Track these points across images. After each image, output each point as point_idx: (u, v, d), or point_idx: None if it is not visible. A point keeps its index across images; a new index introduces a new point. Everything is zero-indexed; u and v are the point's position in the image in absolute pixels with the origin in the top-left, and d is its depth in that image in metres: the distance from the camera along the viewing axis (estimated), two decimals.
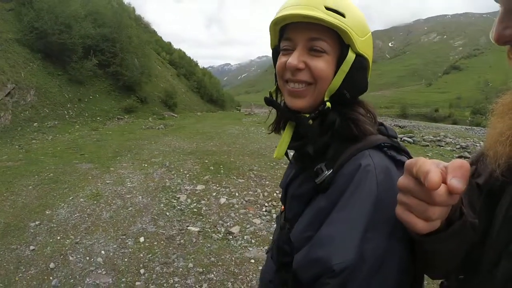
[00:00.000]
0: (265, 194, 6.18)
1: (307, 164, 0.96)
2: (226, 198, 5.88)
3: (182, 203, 5.60)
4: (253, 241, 4.43)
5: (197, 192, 6.19)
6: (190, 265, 3.80)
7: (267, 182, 6.89)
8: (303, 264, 0.84)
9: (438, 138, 16.09)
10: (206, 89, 41.02)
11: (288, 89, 0.92)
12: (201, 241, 4.38)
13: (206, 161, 8.48)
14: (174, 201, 5.70)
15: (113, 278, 3.52)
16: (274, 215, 5.12)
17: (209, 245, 4.28)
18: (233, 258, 3.99)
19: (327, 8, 0.82)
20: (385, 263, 0.73)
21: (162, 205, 5.50)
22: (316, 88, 0.89)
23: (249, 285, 3.51)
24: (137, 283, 3.45)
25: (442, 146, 13.81)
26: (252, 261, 3.94)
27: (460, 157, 10.85)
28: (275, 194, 6.09)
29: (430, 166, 0.57)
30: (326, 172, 0.86)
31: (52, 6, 16.98)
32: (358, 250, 0.73)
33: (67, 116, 15.51)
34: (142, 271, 3.66)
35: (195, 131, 14.57)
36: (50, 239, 4.28)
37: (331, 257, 0.75)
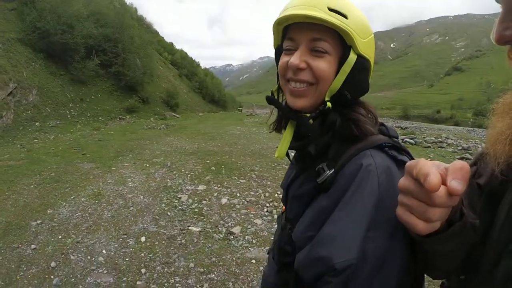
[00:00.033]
0: (267, 194, 6.18)
1: (308, 164, 0.97)
2: (228, 199, 5.88)
3: (184, 203, 5.61)
4: (254, 241, 4.43)
5: (198, 192, 6.20)
6: (191, 265, 3.81)
7: (269, 183, 6.89)
8: (305, 263, 0.85)
9: (440, 139, 16.07)
10: (208, 90, 41.06)
11: (290, 89, 0.92)
12: (202, 241, 4.38)
13: (208, 161, 8.48)
14: (176, 201, 5.71)
15: (114, 277, 3.52)
16: (275, 216, 5.12)
17: (210, 245, 4.28)
18: (234, 258, 3.99)
19: (330, 9, 0.83)
20: (386, 263, 0.73)
21: (163, 205, 5.50)
22: (317, 88, 0.89)
23: (250, 285, 3.51)
24: (138, 282, 3.45)
25: (444, 148, 13.79)
26: (253, 261, 3.94)
27: (461, 158, 10.84)
28: (276, 195, 6.09)
29: (430, 168, 0.57)
30: (328, 171, 0.86)
31: (54, 6, 16.99)
32: (360, 249, 0.73)
33: (69, 116, 15.53)
34: (143, 270, 3.66)
35: (196, 131, 14.57)
36: (51, 238, 4.28)
37: (333, 256, 0.75)
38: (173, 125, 17.12)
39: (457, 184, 0.56)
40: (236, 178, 7.15)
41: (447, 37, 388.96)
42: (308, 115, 0.91)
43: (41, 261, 3.76)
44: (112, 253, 3.98)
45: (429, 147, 13.74)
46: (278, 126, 1.10)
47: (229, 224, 4.91)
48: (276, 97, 1.04)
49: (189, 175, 7.20)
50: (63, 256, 3.87)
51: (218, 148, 10.45)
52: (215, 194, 6.09)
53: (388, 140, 0.88)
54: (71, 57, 17.82)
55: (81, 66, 18.14)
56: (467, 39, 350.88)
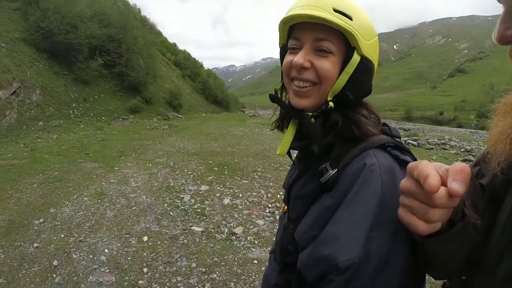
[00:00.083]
0: (269, 195, 6.18)
1: (311, 164, 0.97)
2: (230, 199, 5.88)
3: (186, 203, 5.61)
4: (256, 242, 4.43)
5: (201, 192, 6.20)
6: (193, 264, 3.81)
7: (271, 184, 6.89)
8: (308, 262, 0.85)
9: (443, 141, 16.05)
10: (210, 90, 41.10)
11: (294, 89, 0.93)
12: (204, 241, 4.38)
13: (210, 161, 8.49)
14: (178, 201, 5.71)
15: (116, 276, 3.53)
16: (277, 217, 5.11)
17: (212, 245, 4.28)
18: (236, 259, 3.99)
19: (335, 10, 0.84)
20: (389, 263, 0.74)
21: (166, 205, 5.50)
22: (320, 88, 0.90)
23: (252, 285, 3.51)
24: (140, 281, 3.45)
25: (447, 150, 13.76)
26: (255, 261, 3.94)
27: (464, 160, 10.81)
28: (278, 196, 6.09)
29: (430, 170, 0.58)
30: (331, 171, 0.86)
31: (58, 6, 17.05)
32: (363, 248, 0.73)
33: (72, 116, 15.58)
34: (145, 270, 3.66)
35: (199, 132, 14.59)
36: (54, 237, 4.29)
37: (336, 255, 0.75)
38: (176, 125, 17.15)
39: (457, 186, 0.56)
40: (238, 178, 7.15)
41: (450, 39, 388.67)
42: (310, 114, 0.91)
43: (43, 259, 3.76)
44: (115, 252, 3.99)
45: (432, 149, 13.71)
46: (281, 125, 1.11)
47: (231, 224, 4.91)
48: (279, 96, 1.04)
49: (191, 175, 7.21)
50: (65, 254, 3.88)
51: (221, 149, 10.46)
52: (218, 195, 6.10)
53: (390, 140, 0.89)
54: (75, 57, 17.87)
55: (85, 66, 18.19)
56: (470, 41, 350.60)
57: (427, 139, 16.76)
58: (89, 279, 3.44)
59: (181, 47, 49.43)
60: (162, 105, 24.61)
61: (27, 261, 3.71)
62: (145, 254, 3.98)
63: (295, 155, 1.19)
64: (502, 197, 0.76)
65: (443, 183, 0.58)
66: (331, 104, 0.88)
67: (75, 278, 3.45)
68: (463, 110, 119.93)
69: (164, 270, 3.69)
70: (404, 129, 25.79)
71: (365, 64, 0.89)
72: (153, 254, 3.98)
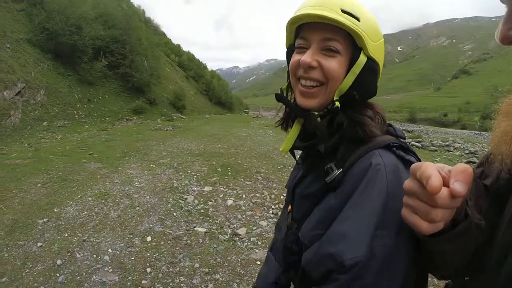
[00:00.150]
0: (272, 196, 6.17)
1: (316, 164, 0.97)
2: (233, 200, 5.87)
3: (189, 204, 5.61)
4: (259, 243, 4.42)
5: (204, 193, 6.20)
6: (196, 265, 3.81)
7: (274, 185, 6.89)
8: (314, 261, 0.85)
9: (447, 143, 16.04)
10: (214, 92, 41.23)
11: (300, 89, 0.93)
12: (207, 242, 4.38)
13: (214, 163, 8.49)
14: (182, 201, 5.71)
15: (119, 276, 3.53)
16: None
17: (215, 246, 4.28)
18: (239, 259, 3.99)
19: (343, 11, 0.85)
20: (393, 262, 0.74)
21: (169, 205, 5.51)
22: (327, 88, 0.90)
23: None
24: (143, 281, 3.46)
25: (451, 151, 13.74)
26: (258, 262, 3.93)
27: (468, 162, 10.78)
28: (282, 197, 6.08)
29: (432, 171, 0.59)
30: (336, 171, 0.87)
31: (63, 7, 17.17)
32: (368, 247, 0.73)
33: (76, 116, 15.65)
34: (148, 270, 3.66)
35: (203, 133, 14.60)
36: (57, 236, 4.31)
37: (342, 253, 0.75)
38: (180, 126, 17.19)
39: (459, 186, 0.57)
40: (242, 179, 7.15)
41: (454, 40, 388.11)
42: (316, 113, 0.91)
43: (47, 258, 3.77)
44: (118, 252, 3.99)
45: (436, 150, 13.69)
46: (285, 124, 1.11)
47: (235, 225, 4.91)
48: (285, 95, 1.04)
49: (195, 176, 7.21)
50: (69, 254, 3.89)
51: (224, 150, 10.47)
52: (221, 196, 6.10)
53: (395, 140, 0.89)
54: (79, 58, 17.98)
55: (89, 67, 18.30)
56: (474, 42, 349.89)
57: (431, 141, 16.75)
58: (92, 279, 3.45)
59: (185, 48, 49.69)
60: (166, 106, 24.71)
61: (30, 260, 3.72)
62: (148, 254, 3.98)
63: (297, 156, 1.19)
64: (506, 197, 0.77)
65: (446, 184, 0.58)
66: (337, 104, 0.89)
67: (79, 277, 3.46)
68: (467, 112, 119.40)
69: (167, 270, 3.69)
70: (408, 131, 25.73)
71: (371, 65, 0.90)
72: (157, 254, 3.98)
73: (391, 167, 0.81)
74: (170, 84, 29.67)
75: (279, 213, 5.21)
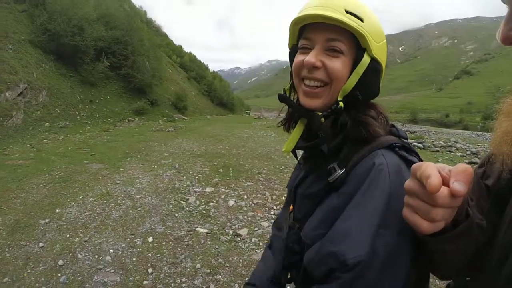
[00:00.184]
0: (274, 197, 6.17)
1: (319, 164, 0.98)
2: (235, 201, 5.87)
3: (191, 205, 5.61)
4: (260, 243, 4.42)
5: (206, 194, 6.20)
6: (198, 265, 3.81)
7: (276, 186, 6.88)
8: (316, 259, 0.86)
9: (449, 143, 16.02)
10: (216, 93, 41.29)
11: (304, 90, 0.93)
12: (209, 243, 4.37)
13: (215, 163, 8.50)
14: (183, 202, 5.71)
15: (121, 276, 3.53)
16: None
17: (217, 246, 4.28)
18: (240, 260, 3.99)
19: (347, 12, 0.85)
20: (395, 261, 0.75)
21: (171, 206, 5.51)
22: (331, 88, 0.91)
23: None
24: (145, 282, 3.46)
25: (453, 152, 13.72)
26: None
27: (470, 163, 10.76)
28: (283, 198, 6.06)
29: (432, 170, 0.59)
30: (339, 171, 0.87)
31: (65, 8, 17.22)
32: (370, 246, 0.74)
33: (78, 117, 15.68)
34: (150, 270, 3.66)
35: (204, 134, 14.63)
36: (59, 236, 4.31)
37: (345, 252, 0.76)
38: (181, 127, 17.22)
39: (459, 186, 0.58)
40: (243, 180, 7.15)
41: (456, 40, 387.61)
42: (320, 113, 0.92)
43: (48, 259, 3.78)
44: (120, 253, 3.99)
45: (438, 151, 13.68)
46: (287, 125, 1.11)
47: (236, 226, 4.91)
48: (288, 96, 1.05)
49: (196, 177, 7.21)
50: (70, 254, 3.89)
51: (226, 151, 10.48)
52: (223, 196, 6.10)
53: (398, 140, 0.89)
54: (81, 59, 18.03)
55: (91, 68, 18.35)
56: (476, 42, 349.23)
57: (432, 141, 16.73)
58: (94, 279, 3.45)
59: (186, 49, 49.74)
60: (167, 107, 24.75)
61: (32, 261, 3.73)
62: (150, 255, 3.98)
63: (298, 156, 1.20)
64: (507, 198, 0.77)
65: (446, 184, 0.59)
66: (341, 104, 0.89)
67: (80, 277, 3.46)
68: (469, 112, 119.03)
69: (168, 270, 3.69)
70: (410, 132, 25.74)
71: (375, 65, 0.90)
72: (158, 255, 3.98)
73: (393, 167, 0.81)
74: (172, 85, 29.72)
75: None
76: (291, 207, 1.18)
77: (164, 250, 4.10)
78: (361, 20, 0.86)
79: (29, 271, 3.54)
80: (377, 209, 0.76)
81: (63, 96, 15.79)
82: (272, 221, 5.09)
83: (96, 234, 4.43)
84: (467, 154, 13.36)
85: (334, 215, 0.85)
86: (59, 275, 3.48)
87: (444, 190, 0.58)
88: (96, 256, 3.88)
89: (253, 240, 4.47)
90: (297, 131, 1.00)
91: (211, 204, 5.70)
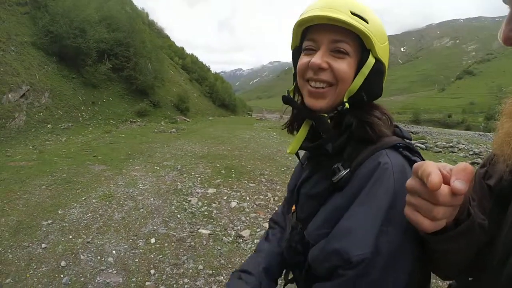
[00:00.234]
0: (276, 198, 6.17)
1: (324, 164, 0.98)
2: (237, 202, 5.87)
3: (193, 206, 5.61)
4: None
5: (208, 195, 6.20)
6: (200, 267, 3.81)
7: (278, 187, 6.88)
8: (320, 257, 0.87)
9: (451, 144, 16.00)
10: (218, 94, 41.32)
11: (309, 90, 0.94)
12: (211, 244, 4.37)
13: (218, 165, 8.50)
14: (185, 203, 5.72)
15: (123, 277, 3.53)
16: None
17: (219, 247, 4.28)
18: (243, 261, 3.96)
19: (352, 13, 0.86)
20: (398, 259, 0.75)
21: (173, 207, 5.51)
22: (336, 89, 0.91)
23: None
24: (147, 283, 3.46)
25: (455, 153, 13.70)
26: None
27: (472, 163, 10.75)
28: None
29: (433, 168, 0.60)
30: (343, 171, 0.88)
31: (67, 10, 17.24)
32: (374, 243, 0.75)
33: (80, 119, 15.71)
34: (152, 271, 3.66)
35: (206, 135, 14.64)
36: (62, 238, 4.32)
37: (349, 249, 0.77)
38: (184, 128, 17.23)
39: (460, 184, 0.58)
40: (245, 181, 7.15)
41: (457, 41, 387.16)
42: (325, 115, 0.93)
43: (51, 260, 3.78)
44: (122, 254, 4.00)
45: (440, 152, 13.67)
46: (291, 127, 1.12)
47: (238, 227, 4.91)
48: (292, 97, 1.05)
49: (199, 178, 7.22)
50: (73, 255, 3.89)
51: (228, 152, 10.48)
52: (225, 198, 6.10)
53: (402, 141, 0.90)
54: (83, 61, 18.07)
55: (93, 70, 18.39)
56: (478, 43, 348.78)
57: (435, 142, 16.71)
58: (96, 280, 3.45)
59: (188, 51, 49.87)
60: (169, 108, 24.78)
61: (34, 262, 3.73)
62: (152, 256, 3.98)
63: (302, 156, 1.20)
64: (509, 198, 0.77)
65: (447, 182, 0.59)
66: (347, 105, 0.90)
67: (83, 279, 3.46)
68: (471, 113, 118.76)
69: (171, 272, 3.69)
70: (412, 132, 25.66)
71: (379, 66, 0.91)
72: (160, 256, 3.99)
73: (398, 167, 0.82)
74: (174, 86, 29.76)
75: None
76: (294, 207, 1.18)
77: (167, 251, 4.11)
78: (366, 21, 0.87)
79: (31, 272, 3.54)
80: (381, 208, 0.77)
81: (65, 98, 15.82)
82: None
83: (98, 235, 4.44)
84: (469, 155, 13.36)
85: (338, 214, 0.86)
86: (62, 276, 3.49)
87: (445, 188, 0.58)
88: (99, 257, 3.88)
89: (255, 241, 4.46)
90: (302, 132, 1.01)
91: (213, 205, 5.70)
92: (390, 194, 0.78)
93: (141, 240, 4.35)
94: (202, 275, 3.65)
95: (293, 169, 1.34)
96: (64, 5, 17.35)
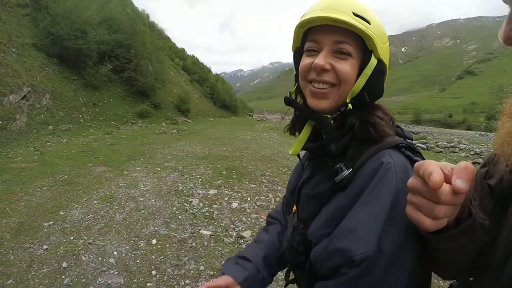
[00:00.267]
0: (277, 199, 6.16)
1: (325, 164, 0.99)
2: (238, 203, 5.87)
3: (194, 207, 5.61)
4: None
5: (209, 196, 6.20)
6: (201, 268, 3.81)
7: (279, 188, 6.88)
8: (323, 256, 0.87)
9: (452, 144, 15.99)
10: (218, 95, 41.30)
11: (312, 90, 0.94)
12: (212, 245, 4.38)
13: (219, 166, 8.50)
14: (187, 204, 5.72)
15: (124, 278, 3.53)
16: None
17: (220, 248, 4.28)
18: None
19: (355, 14, 0.86)
20: (400, 258, 0.76)
21: (174, 208, 5.51)
22: (339, 90, 0.91)
23: None
24: (149, 284, 3.46)
25: (456, 153, 13.69)
26: None
27: (473, 163, 10.74)
28: None
29: (434, 167, 0.60)
30: (346, 171, 0.88)
31: (67, 12, 17.25)
32: (377, 243, 0.75)
33: (81, 120, 15.71)
34: (153, 272, 3.67)
35: (207, 136, 14.64)
36: (63, 239, 4.32)
37: (352, 248, 0.78)
38: (185, 130, 17.24)
39: (461, 183, 0.58)
40: (246, 182, 7.15)
41: (458, 41, 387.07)
42: (328, 116, 0.93)
43: (52, 261, 3.79)
44: (123, 255, 4.00)
45: (441, 152, 13.67)
46: (293, 129, 1.12)
47: (240, 228, 4.91)
48: (294, 98, 1.05)
49: (200, 179, 7.22)
50: (74, 257, 3.90)
51: (229, 153, 10.48)
52: (226, 198, 6.10)
53: (403, 141, 0.90)
54: (84, 62, 18.08)
55: (94, 71, 18.40)
56: (478, 42, 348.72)
57: (436, 142, 16.70)
58: (97, 281, 3.46)
59: (189, 52, 49.90)
60: (170, 109, 24.77)
61: (36, 263, 3.74)
62: (153, 257, 3.98)
63: (302, 156, 1.20)
64: (510, 198, 0.77)
65: (448, 181, 0.59)
66: (350, 106, 0.90)
67: (84, 280, 3.47)
68: (472, 113, 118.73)
69: (172, 273, 3.69)
70: (413, 132, 25.63)
71: (381, 67, 0.91)
72: (162, 257, 3.99)
73: (400, 167, 0.82)
74: (175, 87, 29.76)
75: None
76: (294, 207, 1.18)
77: (168, 252, 4.11)
78: (368, 22, 0.87)
79: (33, 273, 3.55)
80: (384, 207, 0.78)
81: (66, 99, 15.83)
82: None
83: (100, 236, 4.44)
84: (470, 155, 13.35)
85: (341, 214, 0.86)
86: (63, 277, 3.50)
87: (446, 187, 0.59)
88: (100, 259, 3.88)
89: None
90: (305, 133, 1.00)
91: (215, 206, 5.70)
92: (392, 194, 0.78)
93: (142, 241, 4.35)
94: (204, 276, 3.65)
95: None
96: (65, 7, 17.36)
